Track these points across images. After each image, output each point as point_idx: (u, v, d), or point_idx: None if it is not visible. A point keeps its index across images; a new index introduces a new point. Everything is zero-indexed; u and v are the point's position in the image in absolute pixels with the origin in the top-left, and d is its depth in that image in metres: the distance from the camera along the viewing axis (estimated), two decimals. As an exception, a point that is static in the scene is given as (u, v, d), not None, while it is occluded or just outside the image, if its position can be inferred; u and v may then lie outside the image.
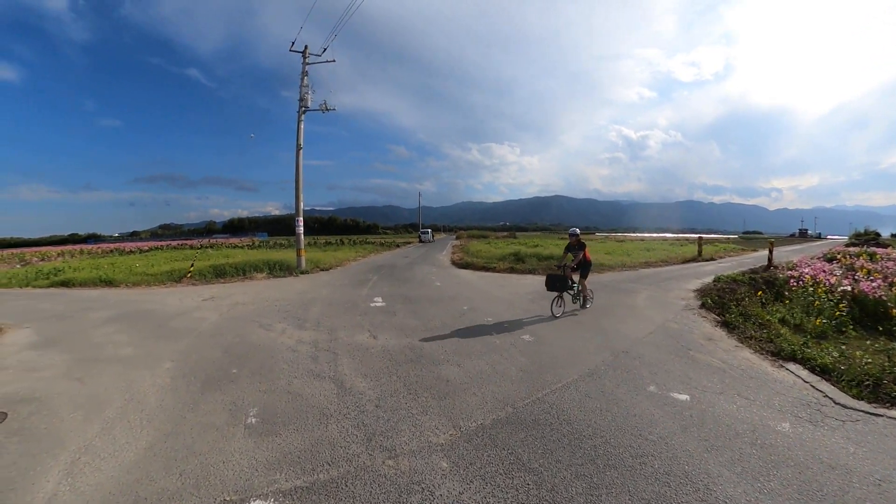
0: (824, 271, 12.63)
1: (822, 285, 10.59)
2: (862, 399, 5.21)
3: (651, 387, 5.58)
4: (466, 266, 22.26)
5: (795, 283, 11.49)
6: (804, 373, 6.13)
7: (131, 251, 47.73)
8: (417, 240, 64.76)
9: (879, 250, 22.31)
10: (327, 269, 21.98)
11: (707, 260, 24.28)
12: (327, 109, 21.81)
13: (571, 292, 10.24)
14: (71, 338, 8.63)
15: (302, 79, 21.15)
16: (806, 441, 4.22)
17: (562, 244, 10.72)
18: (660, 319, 9.36)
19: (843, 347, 6.95)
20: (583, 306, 10.40)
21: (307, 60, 21.25)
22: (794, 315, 9.20)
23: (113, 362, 7.00)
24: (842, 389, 5.50)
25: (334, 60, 21.54)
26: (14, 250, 64.85)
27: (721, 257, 26.26)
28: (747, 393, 5.42)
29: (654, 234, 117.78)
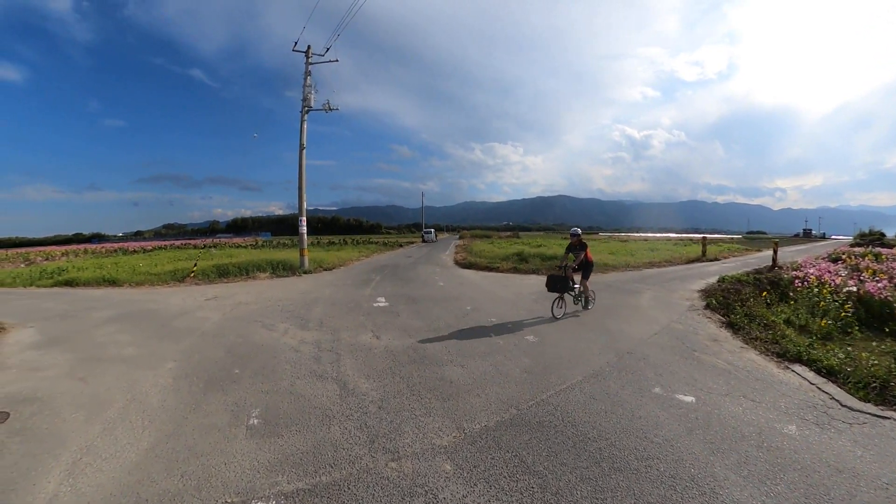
0: (829, 272, 12.54)
1: (827, 286, 10.51)
2: (869, 401, 5.16)
3: (656, 388, 5.54)
4: (470, 266, 22.23)
5: (800, 284, 11.42)
6: (810, 374, 6.08)
7: (135, 251, 47.87)
8: (420, 240, 64.71)
9: (885, 250, 22.19)
10: (330, 269, 21.97)
11: (711, 260, 24.19)
12: (330, 109, 21.80)
13: (573, 293, 10.14)
14: (74, 337, 8.62)
15: (305, 78, 21.16)
16: (812, 444, 4.18)
17: (565, 244, 10.61)
18: (664, 320, 9.30)
19: (849, 349, 6.90)
20: (585, 307, 10.31)
21: (310, 60, 21.25)
22: (799, 316, 9.15)
23: (115, 362, 6.99)
24: (848, 391, 5.45)
25: (337, 60, 21.55)
26: (19, 250, 65.15)
27: (725, 257, 26.15)
28: (753, 395, 5.37)
29: (658, 234, 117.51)
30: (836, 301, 9.31)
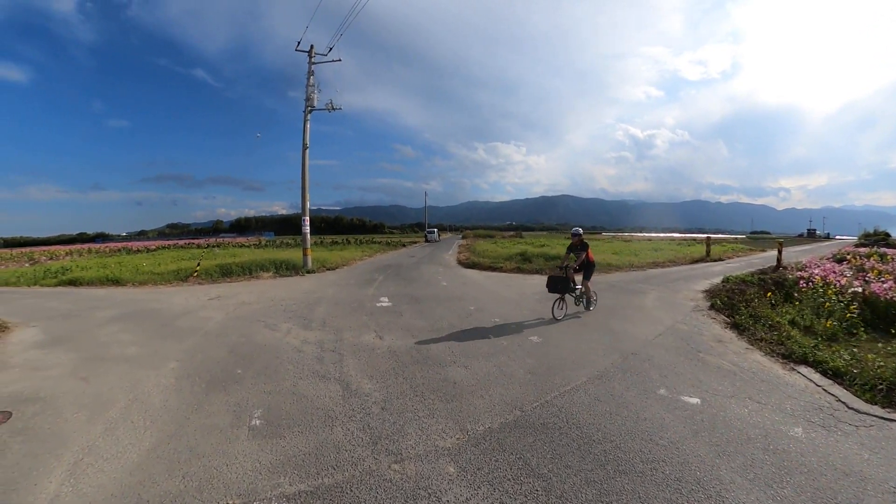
0: (834, 272, 12.46)
1: (832, 286, 10.43)
2: (875, 404, 5.11)
3: (661, 390, 5.50)
4: (473, 266, 22.20)
5: (805, 284, 11.34)
6: (816, 376, 6.03)
7: (138, 250, 47.98)
8: (423, 239, 64.69)
9: (890, 251, 22.04)
10: (333, 269, 21.97)
11: (715, 260, 24.08)
12: (333, 109, 21.80)
13: (574, 294, 10.04)
14: (77, 337, 8.63)
15: (308, 78, 21.15)
16: (819, 447, 4.13)
17: (568, 244, 10.50)
18: (669, 321, 9.25)
19: (855, 350, 6.84)
20: (586, 308, 10.22)
21: (313, 60, 21.23)
22: (804, 317, 9.07)
23: (118, 362, 6.98)
24: (855, 394, 5.40)
25: (340, 60, 21.56)
26: (23, 249, 65.43)
27: (729, 257, 26.03)
28: (759, 396, 5.33)
29: (662, 234, 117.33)
30: (842, 302, 9.24)
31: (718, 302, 10.64)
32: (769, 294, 11.18)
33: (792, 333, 7.91)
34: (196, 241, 78.53)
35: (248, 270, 19.43)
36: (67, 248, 62.27)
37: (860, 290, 9.98)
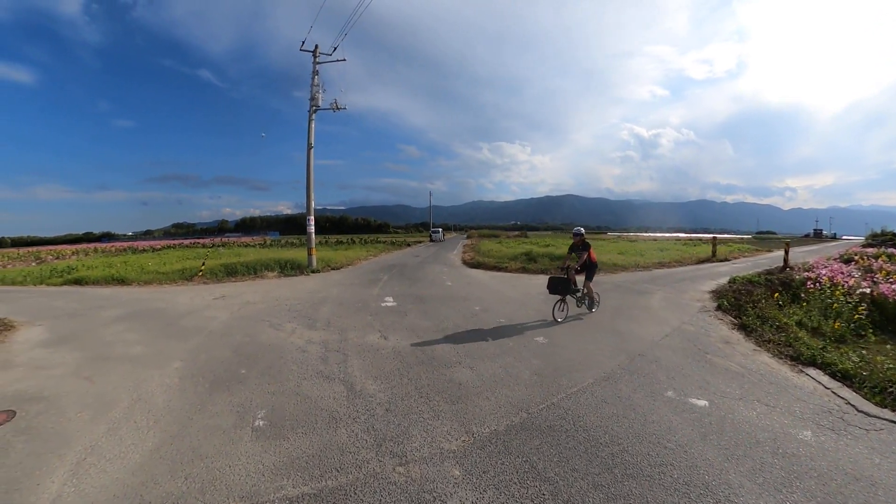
0: (842, 273, 12.36)
1: (839, 287, 10.35)
2: (886, 407, 5.05)
3: (669, 392, 5.44)
4: (478, 266, 22.16)
5: (812, 285, 11.26)
6: (825, 378, 5.96)
7: (144, 250, 48.18)
8: (428, 239, 64.77)
9: (898, 252, 21.85)
10: (338, 268, 21.97)
11: (721, 260, 23.99)
12: (338, 108, 21.78)
13: (576, 295, 9.91)
14: (82, 336, 8.64)
15: (313, 78, 21.14)
16: (829, 451, 4.08)
17: (570, 243, 10.36)
18: (675, 321, 9.19)
19: (864, 352, 6.78)
20: (589, 309, 10.10)
21: (317, 60, 21.22)
22: (812, 318, 9.00)
23: (122, 361, 6.97)
24: (864, 396, 5.34)
25: (344, 59, 21.52)
26: (30, 248, 65.87)
27: (735, 258, 25.93)
28: (767, 399, 5.27)
29: (667, 234, 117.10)
30: (850, 303, 9.17)
31: (725, 303, 10.57)
32: (776, 295, 11.10)
33: (800, 335, 7.84)
34: (201, 241, 78.80)
35: (252, 270, 19.46)
36: (73, 247, 62.64)
37: (868, 291, 9.89)
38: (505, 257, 24.23)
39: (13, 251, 56.28)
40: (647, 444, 4.18)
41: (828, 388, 5.62)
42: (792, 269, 16.09)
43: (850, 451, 4.08)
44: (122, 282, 17.68)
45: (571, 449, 4.09)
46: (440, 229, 74.23)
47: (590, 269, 9.91)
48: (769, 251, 31.94)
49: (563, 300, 9.40)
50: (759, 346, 7.48)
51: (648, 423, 4.62)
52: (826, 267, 13.97)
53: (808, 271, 13.75)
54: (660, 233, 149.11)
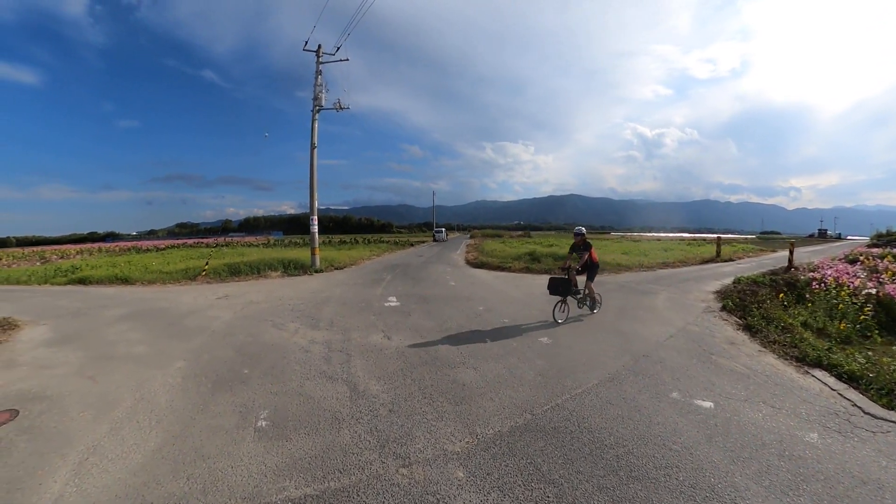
0: (847, 273, 12.29)
1: (845, 288, 10.29)
2: (893, 409, 5.00)
3: (674, 393, 5.40)
4: (481, 265, 22.13)
5: (818, 286, 11.20)
6: (831, 380, 5.91)
7: (148, 249, 48.32)
8: (431, 239, 64.83)
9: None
10: (342, 268, 21.97)
11: (726, 261, 23.88)
12: (341, 108, 21.78)
13: (577, 297, 9.78)
14: (85, 335, 8.64)
15: (316, 77, 21.15)
16: (835, 453, 4.03)
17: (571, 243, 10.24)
18: (680, 322, 9.14)
19: (870, 353, 6.72)
20: (591, 310, 9.98)
21: (321, 59, 21.23)
22: (817, 319, 8.94)
23: (125, 361, 6.97)
24: (871, 398, 5.28)
25: (347, 59, 21.51)
26: (35, 248, 66.15)
27: (740, 258, 25.82)
28: (773, 401, 5.22)
29: (671, 234, 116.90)
30: (855, 304, 9.11)
31: (730, 303, 10.52)
32: (781, 295, 11.05)
33: (805, 336, 7.78)
34: (205, 241, 78.98)
35: (256, 269, 19.47)
36: (78, 247, 62.89)
37: (874, 291, 9.83)
38: (508, 257, 24.20)
39: (18, 251, 56.56)
40: (653, 445, 4.14)
41: (834, 390, 5.57)
42: (797, 269, 16.02)
43: (858, 453, 4.04)
44: (125, 281, 17.73)
45: (576, 451, 4.06)
46: (443, 229, 74.25)
47: (591, 269, 9.76)
48: (773, 251, 31.82)
49: (563, 301, 9.26)
50: (765, 347, 7.42)
51: (653, 424, 4.58)
52: (831, 267, 13.90)
53: (813, 272, 13.69)
54: (663, 233, 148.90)
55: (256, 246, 49.81)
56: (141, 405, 5.24)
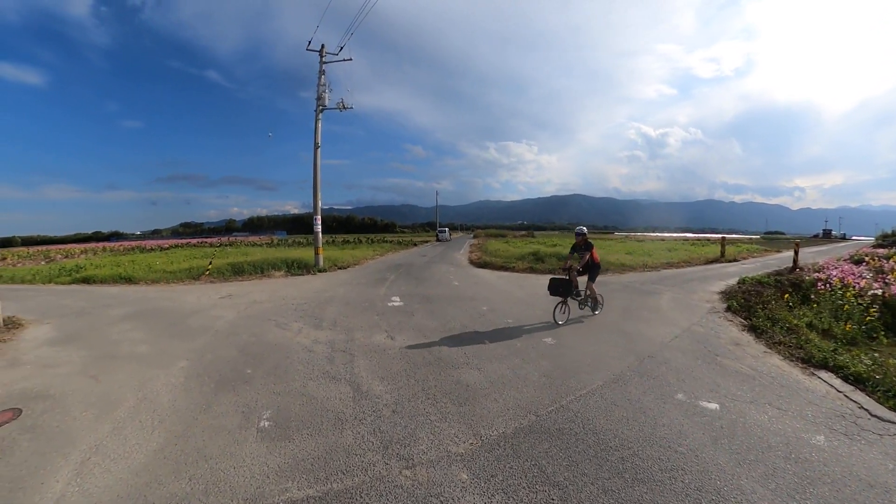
0: (853, 274, 12.21)
1: (850, 288, 10.22)
2: (900, 412, 4.96)
3: (679, 395, 5.36)
4: (485, 265, 22.12)
5: (823, 286, 11.12)
6: (837, 381, 5.86)
7: (152, 249, 48.42)
8: (435, 238, 64.82)
9: (910, 252, 21.59)
10: (345, 268, 21.98)
11: (730, 261, 23.80)
12: (344, 108, 21.79)
13: (578, 298, 9.64)
14: (89, 334, 8.65)
15: (319, 77, 21.16)
16: (842, 456, 3.99)
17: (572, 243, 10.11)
18: (685, 322, 9.09)
19: (876, 355, 6.66)
20: (592, 311, 9.84)
21: (324, 59, 21.23)
22: (823, 320, 8.88)
23: (128, 360, 6.97)
24: (878, 400, 5.23)
25: (351, 59, 21.52)
26: (40, 247, 66.37)
27: (744, 258, 25.73)
28: (779, 402, 5.18)
29: (675, 234, 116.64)
30: (861, 304, 9.05)
31: (735, 304, 10.47)
32: (786, 296, 10.98)
33: (810, 337, 7.73)
34: (209, 240, 79.11)
35: (259, 269, 19.49)
36: (83, 246, 63.07)
37: (880, 292, 9.76)
38: (512, 257, 24.17)
39: (23, 250, 56.76)
40: (658, 448, 4.11)
41: (840, 392, 5.52)
42: (802, 269, 15.94)
43: (865, 456, 3.99)
44: (129, 280, 17.77)
45: (581, 453, 4.03)
46: (447, 229, 74.22)
47: (592, 270, 9.63)
48: (778, 251, 31.70)
49: (564, 302, 9.13)
50: (770, 348, 7.38)
51: (659, 426, 4.55)
52: (836, 268, 13.83)
53: (818, 272, 13.61)
54: (667, 233, 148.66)
55: (260, 245, 49.89)
56: (143, 405, 5.23)
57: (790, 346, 7.31)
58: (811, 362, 6.57)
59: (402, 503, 3.34)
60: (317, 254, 21.23)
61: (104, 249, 50.52)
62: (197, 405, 5.20)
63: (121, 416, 4.92)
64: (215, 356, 7.10)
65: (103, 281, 18.05)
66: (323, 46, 21.18)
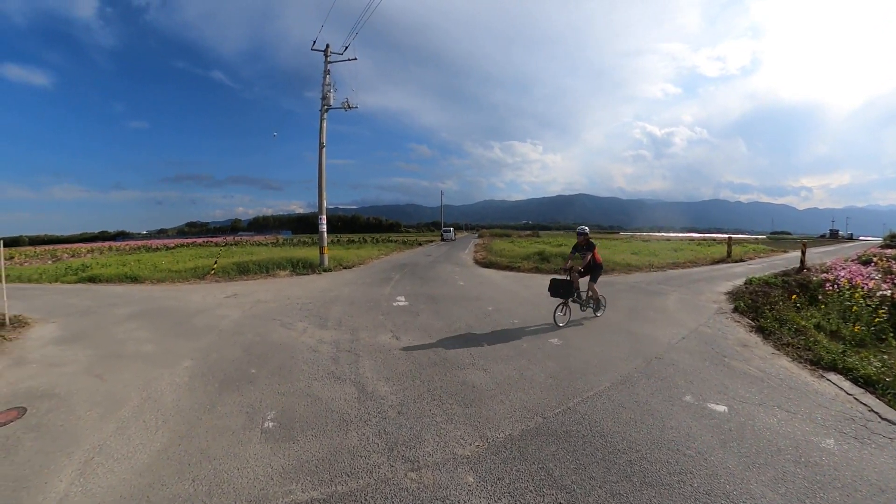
0: (861, 274, 12.11)
1: (859, 289, 10.12)
2: (910, 415, 4.89)
3: (687, 397, 5.30)
4: (490, 265, 22.08)
5: (831, 287, 11.03)
6: (846, 384, 5.78)
7: (158, 248, 48.62)
8: (440, 238, 64.82)
9: (919, 253, 21.42)
10: (350, 267, 21.97)
11: (736, 261, 23.67)
12: (349, 107, 21.79)
13: (580, 300, 9.43)
14: (94, 333, 8.66)
15: (324, 77, 21.16)
16: (852, 460, 3.93)
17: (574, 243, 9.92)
18: (692, 323, 9.01)
19: (886, 357, 6.58)
20: (595, 312, 9.64)
21: (329, 59, 21.23)
22: (831, 321, 8.80)
23: (133, 359, 6.97)
24: (888, 404, 5.16)
25: (356, 58, 21.52)
26: (47, 247, 66.80)
27: (751, 258, 25.58)
28: (788, 405, 5.11)
29: (680, 234, 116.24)
30: (869, 306, 8.97)
31: (742, 304, 10.40)
32: (794, 297, 10.90)
33: (819, 338, 7.66)
34: (214, 240, 79.32)
35: (264, 269, 19.52)
36: (89, 245, 63.43)
37: (889, 293, 9.67)
38: (517, 257, 24.13)
39: (30, 249, 57.11)
40: (666, 451, 4.06)
41: (849, 395, 5.45)
42: (809, 270, 15.83)
43: (875, 460, 3.93)
44: (135, 280, 17.84)
45: (588, 455, 3.98)
46: (452, 228, 74.21)
47: (594, 270, 9.44)
48: (785, 252, 31.52)
49: (565, 304, 8.97)
50: (778, 350, 7.30)
51: (667, 429, 4.49)
52: (844, 268, 13.73)
53: (825, 273, 13.52)
54: (673, 233, 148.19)
55: (265, 245, 50.01)
56: (147, 404, 5.21)
57: (798, 348, 7.23)
58: (820, 364, 6.49)
59: (408, 506, 3.31)
60: (322, 253, 21.24)
61: (110, 249, 50.77)
62: (201, 405, 5.18)
63: (125, 416, 4.90)
64: (220, 356, 7.09)
65: (109, 280, 18.14)
66: (328, 46, 21.18)
